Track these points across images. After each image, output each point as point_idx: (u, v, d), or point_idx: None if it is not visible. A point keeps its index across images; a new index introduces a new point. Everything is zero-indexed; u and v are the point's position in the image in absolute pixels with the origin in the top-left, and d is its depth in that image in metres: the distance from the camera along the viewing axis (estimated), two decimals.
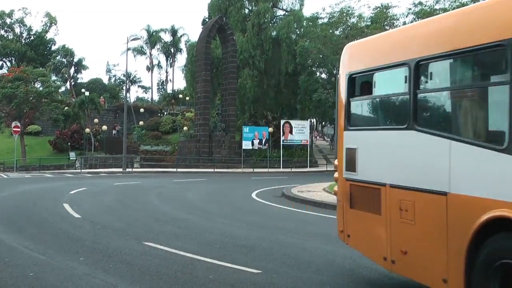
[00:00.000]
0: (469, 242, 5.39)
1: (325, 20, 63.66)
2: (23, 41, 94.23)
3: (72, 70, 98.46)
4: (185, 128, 63.88)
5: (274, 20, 62.96)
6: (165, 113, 79.21)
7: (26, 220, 14.09)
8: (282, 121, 52.79)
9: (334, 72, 55.08)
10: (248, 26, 57.38)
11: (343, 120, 8.00)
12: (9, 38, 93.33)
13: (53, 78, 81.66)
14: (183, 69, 74.18)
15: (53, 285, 7.51)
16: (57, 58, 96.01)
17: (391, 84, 7.45)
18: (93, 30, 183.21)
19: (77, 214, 15.38)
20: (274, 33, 59.15)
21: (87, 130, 58.37)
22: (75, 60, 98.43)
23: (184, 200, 20.43)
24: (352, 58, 8.20)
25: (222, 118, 53.15)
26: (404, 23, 63.41)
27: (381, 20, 61.29)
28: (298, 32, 61.20)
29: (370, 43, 8.39)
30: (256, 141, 50.70)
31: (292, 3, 62.43)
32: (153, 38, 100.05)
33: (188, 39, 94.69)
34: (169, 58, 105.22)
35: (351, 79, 7.93)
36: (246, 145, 50.11)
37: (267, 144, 51.61)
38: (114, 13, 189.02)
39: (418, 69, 6.38)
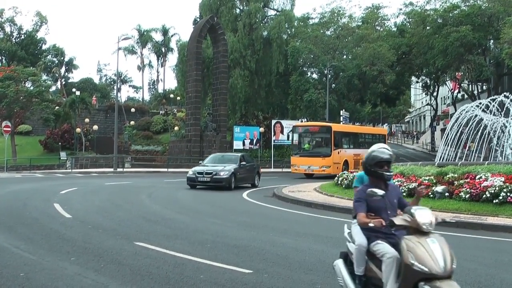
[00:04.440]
0: None
1: (316, 20, 64.07)
2: (14, 40, 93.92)
3: (62, 70, 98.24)
4: (176, 128, 63.86)
5: (265, 20, 63.09)
6: (161, 112, 78.68)
7: (16, 220, 14.01)
8: (273, 121, 52.92)
9: (325, 72, 55.24)
10: (239, 26, 57.44)
11: None
12: (0, 37, 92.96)
13: (44, 77, 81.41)
14: (174, 68, 74.22)
15: (44, 285, 7.49)
16: (48, 57, 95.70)
17: None
18: (84, 30, 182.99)
19: (68, 214, 15.33)
20: (265, 33, 59.28)
21: (78, 130, 58.25)
22: (66, 59, 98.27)
23: (175, 200, 20.40)
24: None
25: (213, 118, 53.13)
26: (395, 24, 63.80)
27: (372, 20, 61.60)
28: (289, 32, 61.37)
29: None
30: (247, 141, 50.81)
31: (283, 3, 62.68)
32: (144, 37, 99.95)
33: (179, 38, 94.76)
34: (160, 58, 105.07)
35: None
36: (237, 145, 50.19)
37: (258, 144, 51.71)
38: (105, 13, 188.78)
39: None
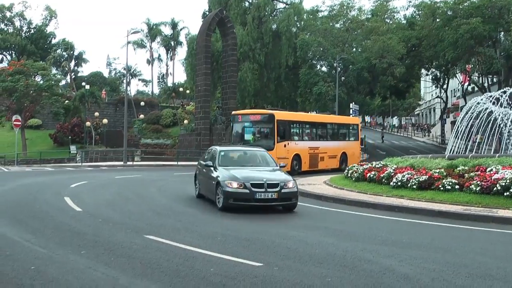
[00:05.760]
0: None
1: (325, 13, 63.87)
2: (23, 34, 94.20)
3: (72, 64, 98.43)
4: (185, 121, 63.86)
5: (274, 13, 62.96)
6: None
7: (27, 214, 14.08)
8: None
9: (335, 65, 55.08)
10: (248, 19, 57.34)
11: None
12: (9, 31, 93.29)
13: (54, 71, 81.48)
14: (183, 62, 74.08)
15: (54, 278, 7.51)
16: (57, 51, 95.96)
17: None
18: (93, 24, 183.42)
19: (78, 208, 15.38)
20: (274, 26, 59.18)
21: (88, 123, 58.40)
22: (75, 53, 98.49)
23: (185, 193, 20.39)
24: None
25: (223, 111, 53.07)
26: (405, 16, 63.50)
27: (382, 13, 61.31)
28: (298, 25, 61.24)
29: None
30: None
31: None
32: (153, 31, 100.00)
33: (188, 32, 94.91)
34: (169, 51, 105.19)
35: None
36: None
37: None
38: (114, 7, 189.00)
39: None
